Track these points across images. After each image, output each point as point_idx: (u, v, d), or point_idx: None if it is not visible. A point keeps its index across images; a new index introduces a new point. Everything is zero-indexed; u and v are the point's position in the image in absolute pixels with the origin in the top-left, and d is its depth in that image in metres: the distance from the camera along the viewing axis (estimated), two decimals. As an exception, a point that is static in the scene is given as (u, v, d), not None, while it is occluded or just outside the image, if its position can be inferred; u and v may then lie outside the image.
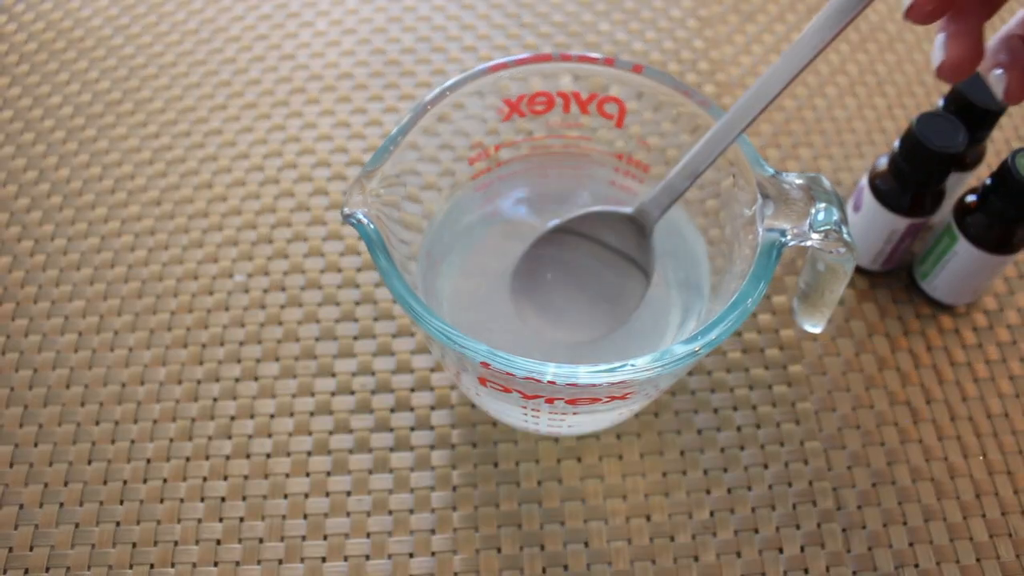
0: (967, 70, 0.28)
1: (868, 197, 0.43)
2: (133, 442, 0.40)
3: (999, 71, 0.28)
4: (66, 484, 0.39)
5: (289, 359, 0.43)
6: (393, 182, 0.33)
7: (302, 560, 0.38)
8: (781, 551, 0.38)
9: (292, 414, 0.41)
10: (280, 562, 0.38)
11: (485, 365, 0.28)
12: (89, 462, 0.40)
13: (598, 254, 0.36)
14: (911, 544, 0.39)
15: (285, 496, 0.39)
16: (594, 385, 0.29)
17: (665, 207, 0.34)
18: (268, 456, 0.40)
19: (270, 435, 0.41)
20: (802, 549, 0.38)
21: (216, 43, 0.56)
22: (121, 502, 0.39)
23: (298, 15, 0.57)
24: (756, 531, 0.39)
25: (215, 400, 0.42)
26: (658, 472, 0.40)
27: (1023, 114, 0.54)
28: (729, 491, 0.40)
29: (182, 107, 0.53)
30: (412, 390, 0.42)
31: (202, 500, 0.39)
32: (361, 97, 0.53)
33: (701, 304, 0.37)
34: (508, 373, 0.28)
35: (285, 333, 0.44)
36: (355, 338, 0.44)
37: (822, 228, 0.30)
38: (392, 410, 0.42)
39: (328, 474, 0.40)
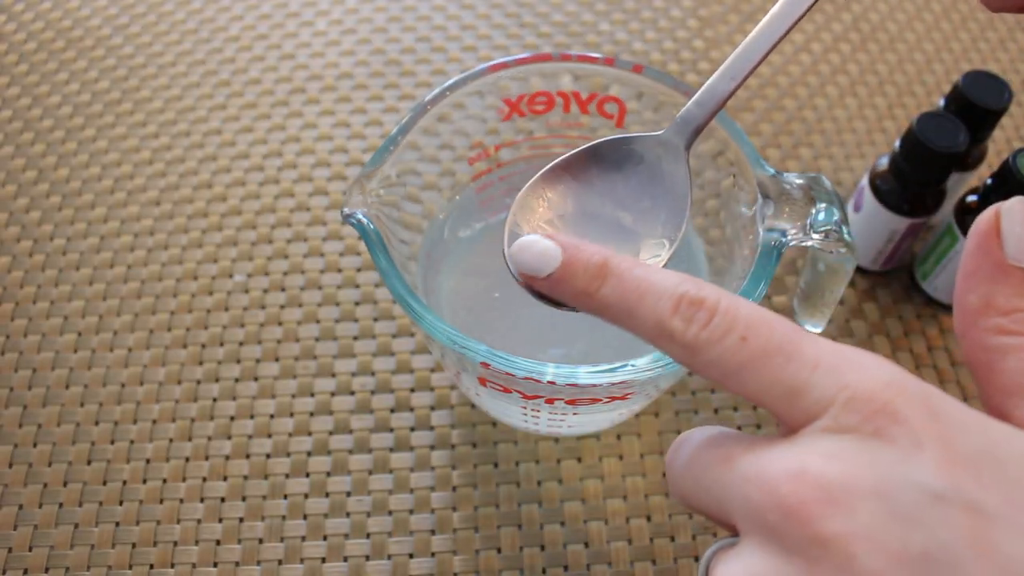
0: None
1: (869, 197, 0.43)
2: (132, 442, 0.40)
3: None
4: (65, 484, 0.39)
5: (289, 359, 0.43)
6: (393, 182, 0.33)
7: (302, 561, 0.38)
8: (781, 551, 0.38)
9: (292, 414, 0.41)
10: (280, 563, 0.37)
11: (485, 365, 0.28)
12: (88, 462, 0.40)
13: (615, 193, 0.28)
14: (912, 544, 0.39)
15: (285, 496, 0.39)
16: (594, 385, 0.29)
17: (706, 117, 0.27)
18: (268, 456, 0.40)
19: (270, 435, 0.41)
20: (802, 549, 0.38)
21: (215, 43, 0.56)
22: (120, 502, 0.39)
23: (298, 15, 0.57)
24: (756, 531, 0.39)
25: (215, 400, 0.42)
26: (658, 472, 0.40)
27: None
28: (729, 491, 0.40)
29: (181, 107, 0.52)
30: (412, 390, 0.42)
31: (202, 500, 0.39)
32: (361, 97, 0.53)
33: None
34: (508, 373, 0.28)
35: (285, 333, 0.44)
36: (355, 338, 0.44)
37: (822, 228, 0.30)
38: (392, 410, 0.41)
39: (328, 474, 0.40)
